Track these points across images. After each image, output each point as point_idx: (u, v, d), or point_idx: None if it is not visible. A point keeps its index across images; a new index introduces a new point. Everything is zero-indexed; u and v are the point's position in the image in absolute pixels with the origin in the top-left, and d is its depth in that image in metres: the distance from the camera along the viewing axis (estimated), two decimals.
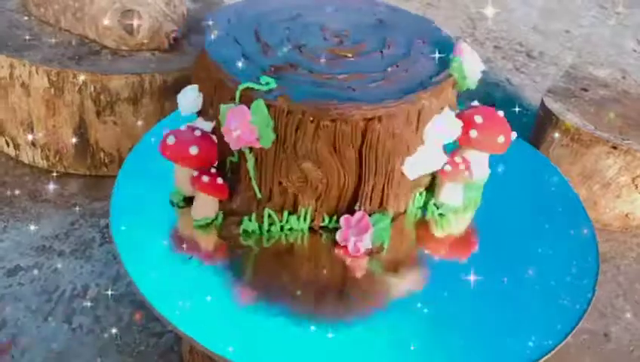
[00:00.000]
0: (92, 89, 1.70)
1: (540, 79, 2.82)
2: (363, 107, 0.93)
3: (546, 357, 0.90)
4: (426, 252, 1.06)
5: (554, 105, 1.95)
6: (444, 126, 1.04)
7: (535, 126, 2.06)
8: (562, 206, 1.19)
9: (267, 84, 0.95)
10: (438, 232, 1.10)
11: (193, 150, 0.99)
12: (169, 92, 1.77)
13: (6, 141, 1.88)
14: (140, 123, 1.76)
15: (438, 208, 1.12)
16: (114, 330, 1.43)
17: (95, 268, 1.59)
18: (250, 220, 1.04)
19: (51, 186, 1.83)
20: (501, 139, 1.11)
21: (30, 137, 1.81)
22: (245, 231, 1.04)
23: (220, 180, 1.01)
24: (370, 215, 1.02)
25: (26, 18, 1.91)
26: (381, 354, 0.88)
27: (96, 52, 1.79)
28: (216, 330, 0.89)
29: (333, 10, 1.21)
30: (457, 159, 1.09)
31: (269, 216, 1.04)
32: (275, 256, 1.02)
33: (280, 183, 1.01)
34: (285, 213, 1.04)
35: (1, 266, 1.57)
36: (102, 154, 1.83)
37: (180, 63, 1.80)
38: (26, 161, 1.88)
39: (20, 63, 1.69)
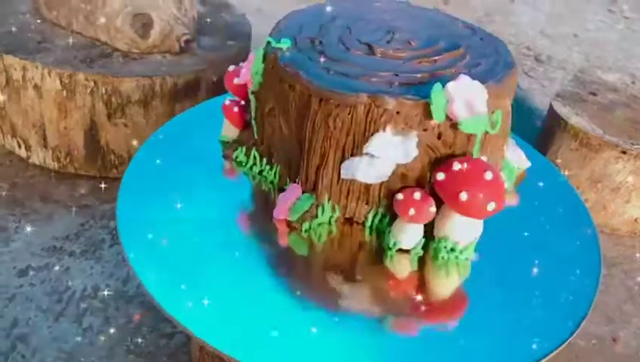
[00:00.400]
0: (103, 91, 1.72)
1: (547, 83, 2.82)
2: (307, 82, 0.99)
3: (547, 359, 0.90)
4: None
5: (562, 110, 1.95)
6: (390, 143, 0.96)
7: (543, 130, 2.06)
8: (565, 207, 1.19)
9: (282, 43, 1.07)
10: (387, 261, 1.02)
11: (236, 80, 1.20)
12: (179, 94, 1.78)
13: (18, 142, 1.89)
14: (150, 125, 1.78)
15: (389, 235, 1.03)
16: (124, 331, 1.45)
17: (105, 268, 1.60)
18: (241, 151, 1.19)
19: (62, 188, 1.85)
20: (463, 196, 0.92)
21: (41, 139, 1.83)
22: (236, 160, 1.19)
23: (235, 109, 1.20)
24: (303, 192, 1.07)
25: (38, 21, 1.93)
26: (382, 352, 0.88)
27: (107, 55, 1.81)
28: (226, 331, 0.89)
29: (425, 23, 1.19)
30: (416, 195, 0.96)
31: (254, 156, 1.17)
32: (259, 192, 1.16)
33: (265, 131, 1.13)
34: (264, 161, 1.15)
35: (13, 266, 1.58)
36: (112, 156, 1.84)
37: (191, 66, 1.81)
38: (37, 163, 1.90)
39: (33, 66, 1.71)
